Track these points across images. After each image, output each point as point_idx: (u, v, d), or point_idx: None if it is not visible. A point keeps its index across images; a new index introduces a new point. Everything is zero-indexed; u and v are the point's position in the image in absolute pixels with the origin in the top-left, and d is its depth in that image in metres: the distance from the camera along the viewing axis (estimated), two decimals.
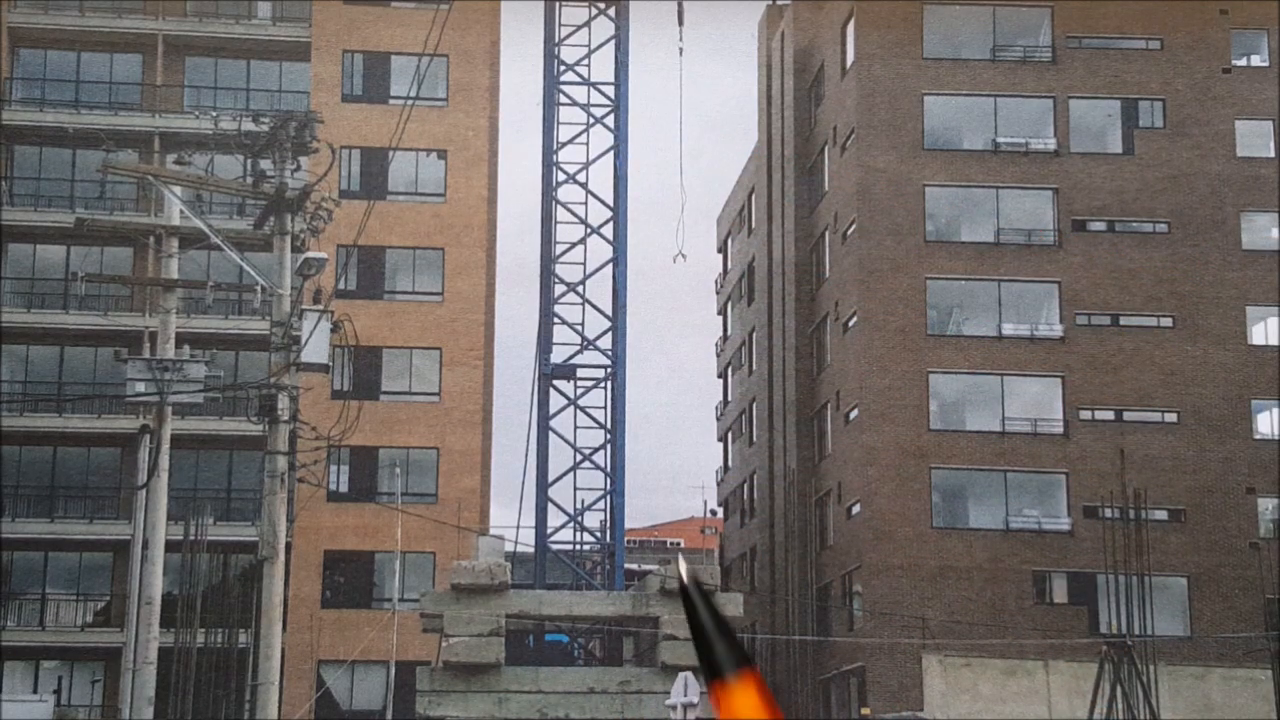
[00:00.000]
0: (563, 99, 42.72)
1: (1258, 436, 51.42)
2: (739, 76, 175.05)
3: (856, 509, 51.83)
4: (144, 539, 30.53)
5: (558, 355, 41.87)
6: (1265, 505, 50.67)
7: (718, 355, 75.01)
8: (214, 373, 29.57)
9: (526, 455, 41.38)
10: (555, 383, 41.74)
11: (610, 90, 42.89)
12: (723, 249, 74.63)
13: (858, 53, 53.78)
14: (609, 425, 41.51)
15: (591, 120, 42.76)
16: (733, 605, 39.22)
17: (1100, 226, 52.68)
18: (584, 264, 42.45)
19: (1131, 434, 50.84)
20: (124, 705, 37.19)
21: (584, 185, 42.61)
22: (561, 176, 42.49)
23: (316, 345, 24.03)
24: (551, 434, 41.45)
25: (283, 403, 23.94)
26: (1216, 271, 52.23)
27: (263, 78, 55.47)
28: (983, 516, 50.78)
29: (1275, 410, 51.76)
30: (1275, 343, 52.14)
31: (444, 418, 52.40)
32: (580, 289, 42.25)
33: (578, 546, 42.34)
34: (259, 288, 26.48)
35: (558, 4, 43.17)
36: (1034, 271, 52.13)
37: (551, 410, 41.53)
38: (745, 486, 67.23)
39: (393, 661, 45.77)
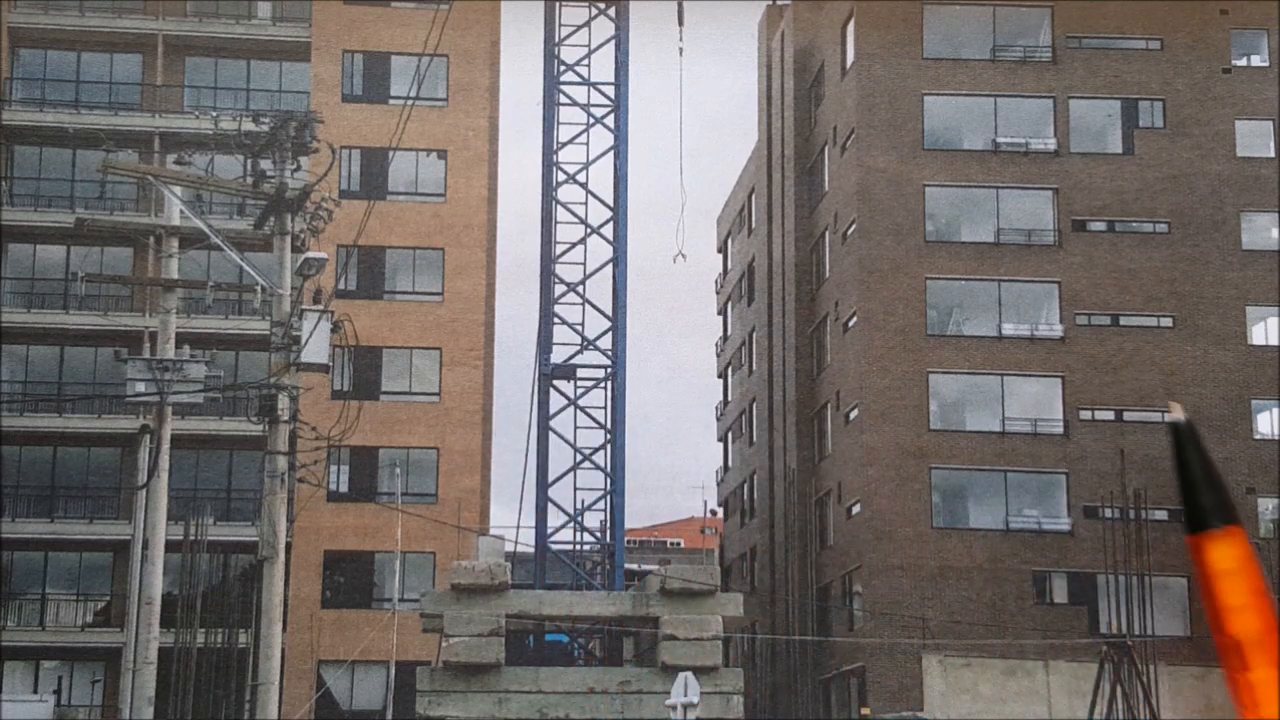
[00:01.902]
0: (563, 99, 42.70)
1: (1258, 436, 51.44)
2: (739, 76, 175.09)
3: (856, 509, 51.84)
4: (144, 539, 30.54)
5: (558, 355, 41.85)
6: (1265, 505, 50.68)
7: (718, 355, 75.02)
8: (214, 373, 29.56)
9: (526, 455, 41.39)
10: (555, 383, 41.72)
11: (610, 90, 42.87)
12: (723, 249, 74.64)
13: (858, 53, 53.79)
14: (609, 425, 41.50)
15: (591, 120, 42.75)
16: (733, 605, 39.20)
17: (1100, 226, 52.70)
18: (584, 264, 42.45)
19: (1131, 434, 50.84)
20: (124, 705, 37.21)
21: (584, 185, 42.59)
22: (561, 176, 42.47)
23: (316, 345, 24.03)
24: (551, 434, 41.44)
25: (283, 403, 23.94)
26: (1216, 271, 52.25)
27: (263, 78, 55.48)
28: (983, 516, 50.78)
29: (1275, 410, 51.77)
30: (1275, 343, 52.16)
31: (444, 418, 52.40)
32: (580, 289, 42.24)
33: (578, 546, 42.32)
34: (259, 288, 26.47)
35: (558, 4, 43.15)
36: (1034, 271, 52.14)
37: (551, 410, 41.51)
38: (745, 486, 67.23)
39: (393, 661, 45.78)
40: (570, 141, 42.73)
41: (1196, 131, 53.12)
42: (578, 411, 41.67)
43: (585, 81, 42.91)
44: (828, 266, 56.45)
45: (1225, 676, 5.33)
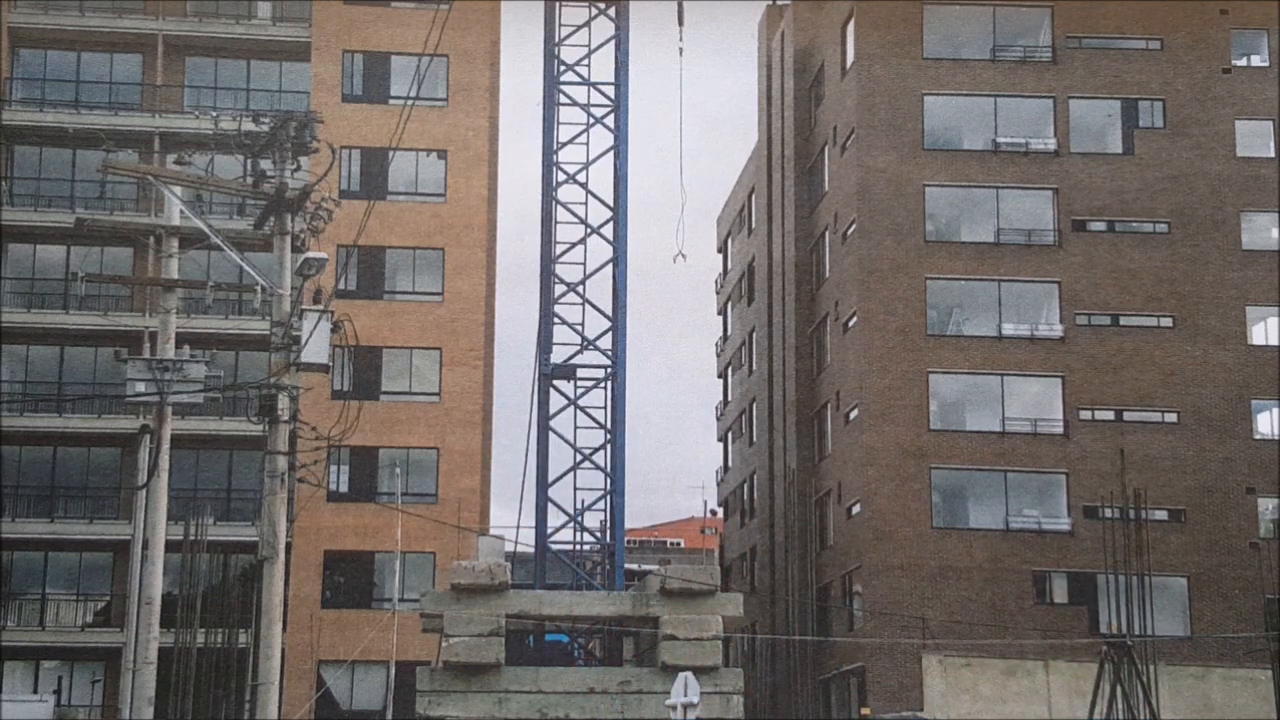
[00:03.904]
0: (563, 99, 42.64)
1: (1258, 436, 51.47)
2: (739, 76, 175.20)
3: (856, 509, 51.84)
4: (144, 539, 30.53)
5: (558, 355, 41.77)
6: (1265, 505, 50.70)
7: (718, 355, 75.02)
8: (214, 373, 29.55)
9: (526, 455, 41.28)
10: (555, 383, 41.66)
11: (610, 90, 42.82)
12: (723, 249, 74.64)
13: (858, 53, 53.81)
14: (609, 425, 41.46)
15: (591, 120, 42.68)
16: (733, 605, 39.17)
17: (1100, 226, 52.71)
18: (584, 264, 42.37)
19: (1131, 434, 50.85)
20: (124, 705, 37.20)
21: (584, 185, 42.53)
22: (561, 176, 42.40)
23: (316, 345, 24.02)
24: (551, 434, 41.38)
25: (283, 403, 23.93)
26: (1216, 271, 52.26)
27: (263, 78, 55.50)
28: (983, 516, 50.79)
29: (1275, 410, 51.79)
30: (1275, 343, 52.18)
31: (444, 418, 52.40)
32: (580, 289, 42.18)
33: (578, 546, 42.25)
34: (259, 288, 26.46)
35: (558, 4, 43.08)
36: (1034, 271, 52.16)
37: (551, 410, 41.45)
38: (745, 486, 67.23)
39: (393, 661, 45.79)
40: (570, 141, 42.67)
41: (1196, 131, 53.14)
42: (578, 411, 41.61)
43: (585, 81, 42.86)
44: (828, 266, 56.46)
45: None
